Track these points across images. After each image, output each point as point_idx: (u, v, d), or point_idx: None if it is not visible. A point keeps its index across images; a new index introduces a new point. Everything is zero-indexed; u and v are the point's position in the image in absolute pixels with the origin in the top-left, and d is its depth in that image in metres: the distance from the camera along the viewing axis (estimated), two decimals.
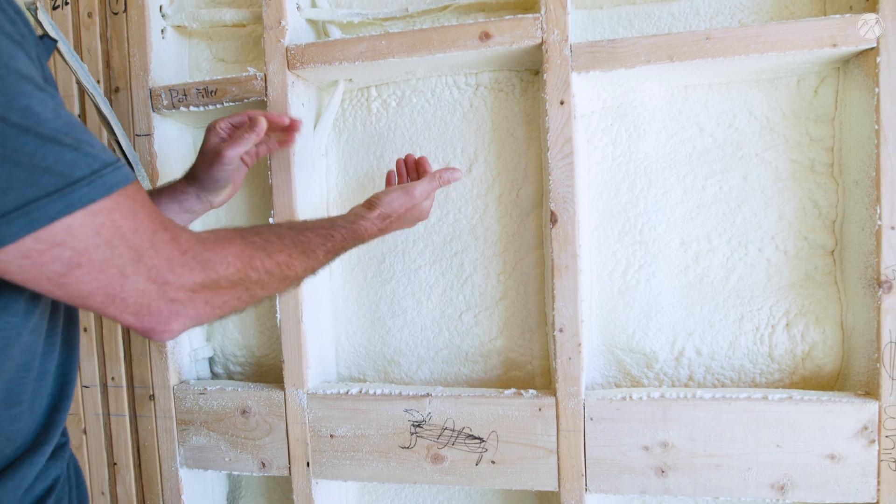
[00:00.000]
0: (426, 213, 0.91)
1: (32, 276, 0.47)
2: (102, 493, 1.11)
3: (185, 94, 1.05)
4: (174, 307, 0.53)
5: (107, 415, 1.11)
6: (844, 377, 0.96)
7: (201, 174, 0.86)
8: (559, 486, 0.96)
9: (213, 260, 0.56)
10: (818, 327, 0.97)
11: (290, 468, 1.05)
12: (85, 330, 1.10)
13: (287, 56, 1.00)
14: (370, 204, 0.84)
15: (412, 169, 0.95)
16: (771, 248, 0.98)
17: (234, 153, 0.83)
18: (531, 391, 0.97)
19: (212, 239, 0.57)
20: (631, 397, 0.94)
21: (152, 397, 1.09)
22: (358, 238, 0.81)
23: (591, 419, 0.95)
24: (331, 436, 1.03)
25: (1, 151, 0.43)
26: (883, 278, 0.86)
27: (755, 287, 0.99)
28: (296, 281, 0.69)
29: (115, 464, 1.11)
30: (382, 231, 0.85)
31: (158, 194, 0.88)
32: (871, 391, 0.89)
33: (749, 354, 1.00)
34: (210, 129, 0.85)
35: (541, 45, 0.93)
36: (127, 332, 1.10)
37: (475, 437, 0.98)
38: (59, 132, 0.45)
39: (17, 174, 0.43)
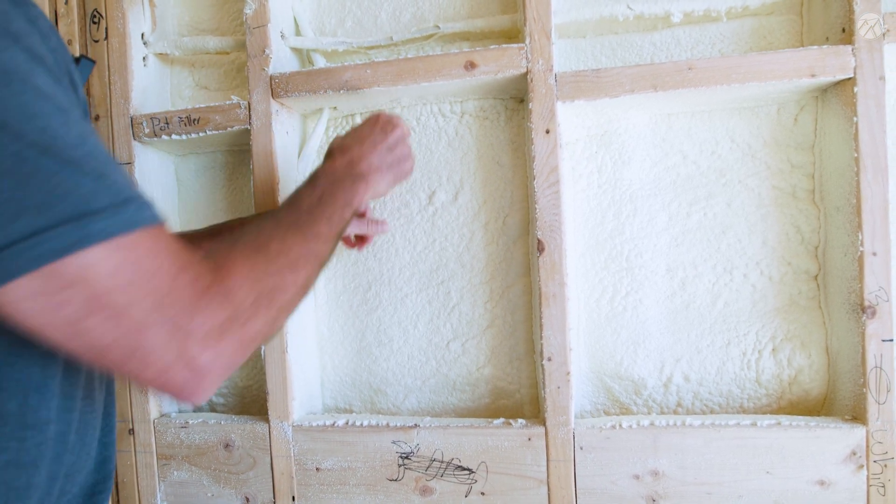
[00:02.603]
0: (401, 156, 0.86)
1: (43, 321, 0.42)
2: None
3: (167, 123, 1.03)
4: (202, 362, 0.46)
5: None
6: (831, 401, 0.97)
7: None
8: None
9: (231, 287, 0.50)
10: (804, 352, 0.98)
11: (274, 503, 1.02)
12: None
13: (271, 85, 1.00)
14: (326, 155, 0.81)
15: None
16: (756, 274, 0.99)
17: None
18: (520, 421, 0.96)
19: (220, 261, 0.51)
20: (620, 426, 0.93)
21: (131, 431, 1.06)
22: (337, 184, 0.73)
23: (581, 448, 0.94)
24: (317, 469, 1.01)
25: (15, 170, 0.38)
26: (866, 303, 0.87)
27: (741, 312, 1.00)
28: (312, 263, 0.62)
29: None
30: (359, 176, 0.77)
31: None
32: (857, 416, 0.90)
33: (737, 380, 1.00)
34: None
35: (526, 74, 0.94)
36: None
37: (464, 469, 0.97)
38: (82, 158, 0.41)
39: (31, 198, 0.39)
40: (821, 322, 0.97)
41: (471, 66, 0.95)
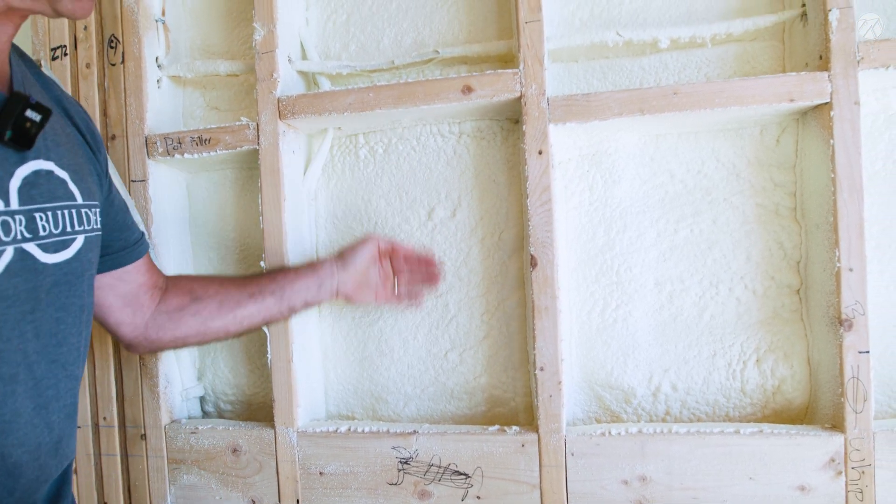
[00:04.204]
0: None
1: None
2: None
3: (179, 142, 1.09)
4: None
5: (98, 455, 1.13)
6: (813, 410, 1.01)
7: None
8: None
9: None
10: (786, 363, 1.02)
11: None
12: None
13: (279, 107, 1.05)
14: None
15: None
16: (740, 288, 1.03)
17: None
18: (514, 428, 1.01)
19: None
20: (610, 433, 0.97)
21: (144, 437, 1.11)
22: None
23: (573, 454, 0.98)
24: (320, 473, 1.06)
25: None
26: (843, 317, 0.91)
27: (726, 325, 1.04)
28: None
29: (105, 503, 1.12)
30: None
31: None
32: (836, 424, 0.94)
33: (722, 389, 1.04)
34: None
35: (520, 98, 0.99)
36: (120, 372, 1.12)
37: (461, 473, 1.01)
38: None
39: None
40: (803, 334, 1.02)
41: (467, 90, 1.00)
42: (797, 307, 1.02)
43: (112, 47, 1.12)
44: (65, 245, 0.67)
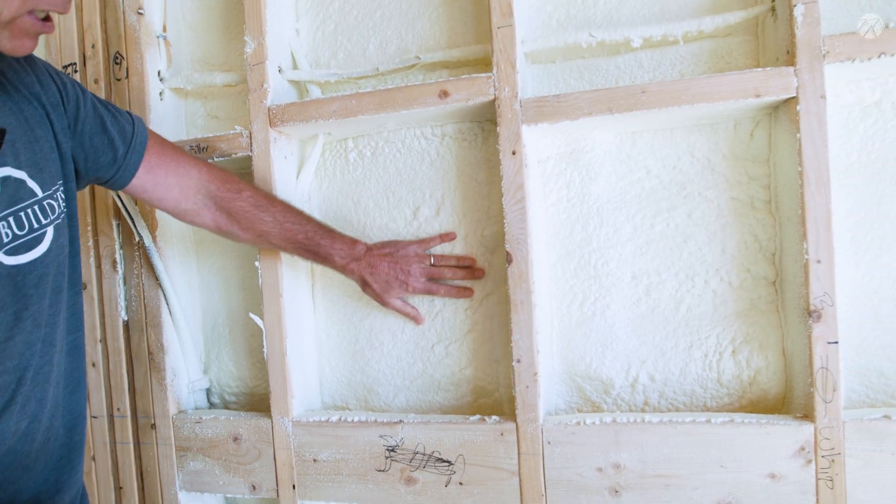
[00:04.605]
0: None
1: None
2: None
3: None
4: None
5: (113, 443, 1.21)
6: (788, 400, 1.03)
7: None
8: None
9: None
10: (761, 354, 1.04)
11: (277, 490, 1.14)
12: (94, 365, 1.21)
13: (269, 115, 1.11)
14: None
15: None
16: (716, 280, 1.05)
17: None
18: (494, 417, 1.05)
19: None
20: (585, 422, 1.01)
21: (153, 426, 1.20)
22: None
23: (549, 443, 1.02)
24: (314, 460, 1.12)
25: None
26: (812, 308, 0.93)
27: (703, 317, 1.06)
28: None
29: (120, 488, 1.21)
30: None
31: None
32: (807, 414, 0.95)
33: (699, 380, 1.06)
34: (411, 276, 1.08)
35: (494, 101, 1.03)
36: (131, 365, 1.20)
37: (444, 461, 1.06)
38: None
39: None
40: (778, 325, 1.03)
41: (444, 94, 1.04)
42: (773, 298, 1.04)
43: (117, 63, 1.20)
44: (37, 241, 0.73)
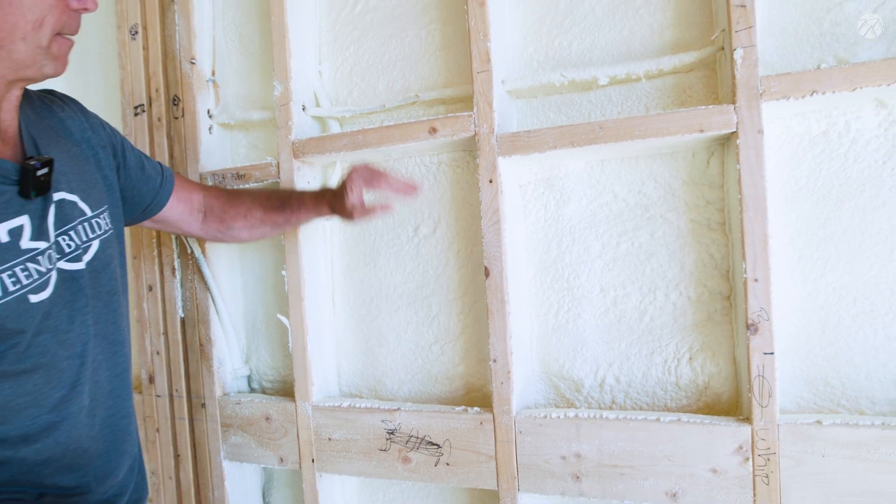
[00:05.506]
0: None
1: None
2: (170, 478, 1.48)
3: (223, 178, 1.40)
4: None
5: (172, 418, 1.47)
6: (738, 405, 1.13)
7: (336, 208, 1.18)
8: (497, 486, 1.19)
9: None
10: (714, 361, 1.15)
11: (300, 463, 1.35)
12: (157, 353, 1.47)
13: (293, 148, 1.32)
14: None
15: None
16: (676, 294, 1.17)
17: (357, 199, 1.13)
18: (475, 409, 1.22)
19: None
20: (551, 416, 1.16)
21: (203, 406, 1.44)
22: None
23: (521, 433, 1.18)
24: (329, 439, 1.33)
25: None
26: (750, 322, 1.03)
27: (664, 326, 1.18)
28: None
29: (178, 455, 1.47)
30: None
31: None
32: (747, 417, 1.06)
33: (660, 383, 1.19)
34: (348, 189, 1.12)
35: (474, 136, 1.19)
36: (187, 355, 1.46)
37: (434, 444, 1.24)
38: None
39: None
40: (730, 335, 1.14)
41: (433, 130, 1.21)
42: (728, 311, 1.14)
43: (175, 104, 1.44)
44: (85, 251, 0.93)
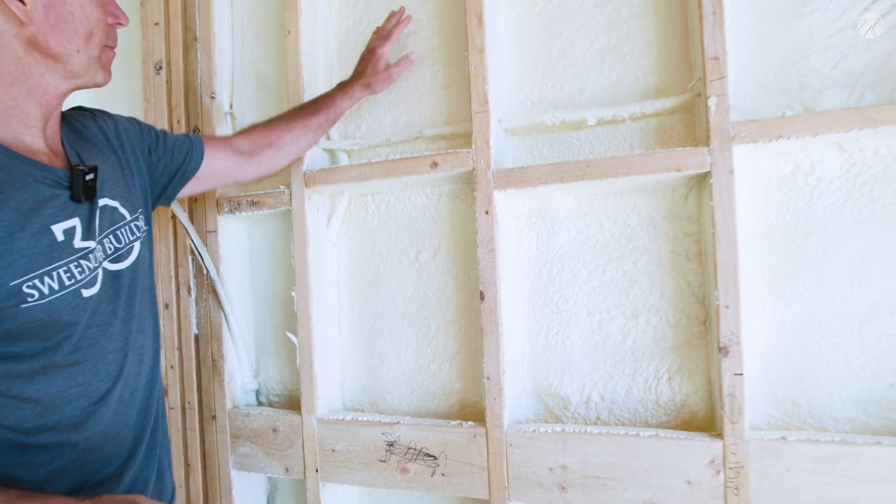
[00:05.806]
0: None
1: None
2: (180, 487, 1.56)
3: (238, 204, 1.50)
4: None
5: (184, 429, 1.56)
6: (713, 421, 1.22)
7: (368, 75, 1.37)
8: (489, 495, 1.28)
9: None
10: (691, 381, 1.24)
11: (304, 473, 1.44)
12: (172, 367, 1.57)
13: (304, 178, 1.43)
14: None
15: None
16: (656, 319, 1.27)
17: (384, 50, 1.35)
18: (470, 423, 1.31)
19: None
20: (539, 430, 1.25)
21: (214, 417, 1.53)
22: None
23: (511, 445, 1.27)
24: (332, 450, 1.41)
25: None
26: (722, 345, 1.13)
27: (645, 349, 1.28)
28: None
29: (188, 465, 1.55)
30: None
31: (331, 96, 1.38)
32: (720, 433, 1.15)
33: (641, 401, 1.28)
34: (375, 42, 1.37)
35: (472, 171, 1.29)
36: (199, 369, 1.55)
37: (430, 455, 1.33)
38: None
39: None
40: (706, 358, 1.23)
41: (434, 165, 1.32)
42: (704, 335, 1.24)
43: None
44: (129, 253, 1.03)
